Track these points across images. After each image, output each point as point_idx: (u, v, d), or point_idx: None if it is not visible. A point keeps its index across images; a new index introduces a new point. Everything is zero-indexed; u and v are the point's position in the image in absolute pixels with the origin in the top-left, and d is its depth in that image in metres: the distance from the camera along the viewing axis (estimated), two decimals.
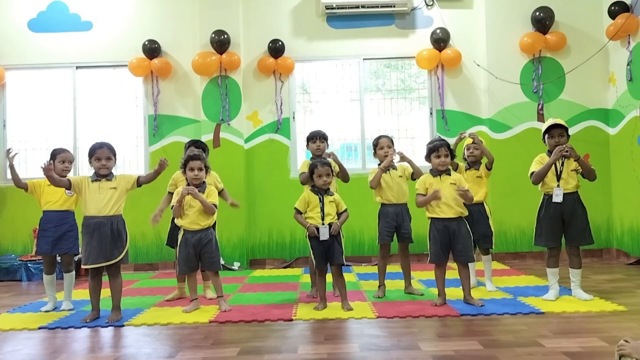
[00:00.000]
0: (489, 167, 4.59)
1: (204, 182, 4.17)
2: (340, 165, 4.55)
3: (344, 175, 4.61)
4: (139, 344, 3.35)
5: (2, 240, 6.67)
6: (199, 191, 4.08)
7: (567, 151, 4.01)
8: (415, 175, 4.46)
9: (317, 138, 4.62)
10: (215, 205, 4.13)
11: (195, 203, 4.06)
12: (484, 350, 2.97)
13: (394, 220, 4.45)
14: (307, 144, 4.70)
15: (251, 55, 6.78)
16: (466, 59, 6.70)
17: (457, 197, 3.98)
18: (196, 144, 4.65)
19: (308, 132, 4.76)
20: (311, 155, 4.67)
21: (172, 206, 4.11)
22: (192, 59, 6.51)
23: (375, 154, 4.59)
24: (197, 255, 4.13)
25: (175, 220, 4.15)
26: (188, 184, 4.12)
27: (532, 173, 4.19)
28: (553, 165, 4.12)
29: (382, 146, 4.52)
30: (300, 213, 4.12)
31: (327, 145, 4.69)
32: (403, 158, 4.45)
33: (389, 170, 4.48)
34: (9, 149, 4.36)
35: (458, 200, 4.00)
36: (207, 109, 6.60)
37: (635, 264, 5.84)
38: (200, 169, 4.11)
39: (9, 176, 6.71)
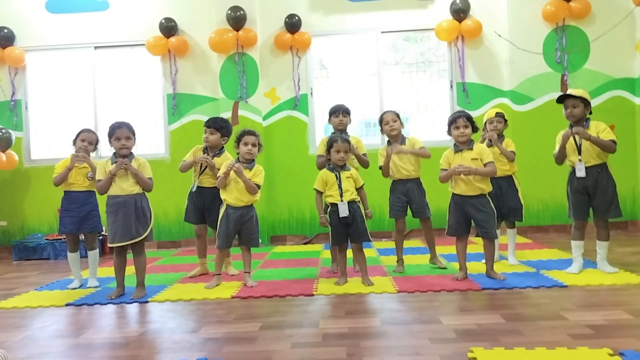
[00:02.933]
0: (510, 160, 4.49)
1: (253, 160, 4.19)
2: (357, 156, 4.45)
3: (362, 162, 4.51)
4: (163, 319, 3.41)
5: (29, 220, 6.82)
6: (246, 168, 4.12)
7: (573, 135, 3.95)
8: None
9: (339, 112, 4.54)
10: (258, 186, 4.15)
11: (240, 179, 4.08)
12: (506, 324, 2.96)
13: (404, 195, 4.41)
14: (330, 119, 4.61)
15: (268, 31, 6.72)
16: (487, 29, 6.54)
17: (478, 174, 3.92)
18: (207, 122, 4.55)
19: (326, 108, 4.71)
20: (332, 131, 4.62)
21: (218, 176, 4.14)
22: (209, 37, 6.48)
23: (381, 130, 4.52)
24: (236, 231, 4.18)
25: (221, 193, 4.17)
26: (238, 160, 4.15)
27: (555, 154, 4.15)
28: (573, 140, 4.03)
29: (387, 121, 4.43)
30: (321, 193, 4.10)
31: (350, 119, 4.61)
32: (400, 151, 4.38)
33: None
34: (78, 155, 4.33)
35: (481, 178, 3.92)
36: (225, 86, 6.59)
37: None
38: (254, 145, 4.14)
39: (33, 157, 6.90)
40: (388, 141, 4.49)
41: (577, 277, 3.97)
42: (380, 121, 4.50)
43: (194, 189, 4.55)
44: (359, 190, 4.11)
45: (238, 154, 4.21)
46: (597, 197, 4.02)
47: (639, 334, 2.35)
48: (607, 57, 6.36)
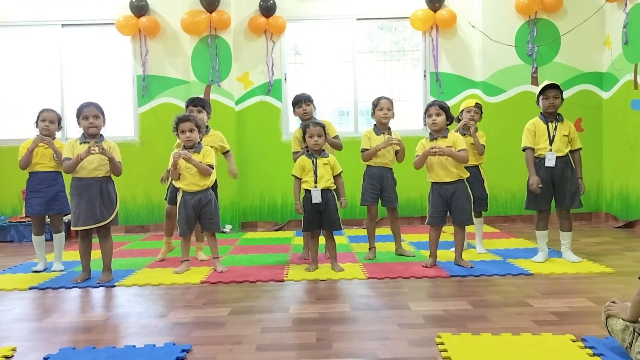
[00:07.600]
0: (480, 153, 4.52)
1: (199, 142, 4.11)
2: (328, 141, 4.36)
3: (334, 146, 4.50)
4: (130, 303, 3.36)
5: None
6: (194, 152, 4.03)
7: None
8: (398, 157, 4.46)
9: (302, 102, 4.49)
10: (211, 166, 4.08)
11: (191, 164, 4.02)
12: (473, 310, 3.01)
13: (378, 182, 4.42)
14: (294, 110, 4.58)
15: (242, 14, 6.61)
16: (461, 20, 6.57)
17: (454, 160, 3.97)
18: (193, 102, 4.50)
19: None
20: (301, 121, 4.59)
21: (168, 170, 4.07)
22: (181, 18, 6.34)
23: (373, 113, 4.50)
24: (196, 217, 4.12)
25: (174, 182, 4.11)
26: (183, 147, 4.07)
27: (525, 148, 4.18)
28: (546, 130, 4.10)
29: (382, 107, 4.43)
30: (300, 180, 4.07)
31: (315, 107, 4.56)
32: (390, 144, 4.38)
33: (383, 133, 4.44)
34: (44, 138, 4.22)
35: (456, 163, 3.98)
36: (197, 69, 6.47)
37: (624, 227, 5.90)
38: (191, 130, 4.03)
39: None
40: (375, 125, 4.49)
41: (542, 265, 4.06)
42: (375, 105, 4.48)
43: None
44: (337, 177, 4.09)
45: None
46: (562, 188, 4.12)
47: (600, 320, 2.41)
48: (577, 51, 6.47)
